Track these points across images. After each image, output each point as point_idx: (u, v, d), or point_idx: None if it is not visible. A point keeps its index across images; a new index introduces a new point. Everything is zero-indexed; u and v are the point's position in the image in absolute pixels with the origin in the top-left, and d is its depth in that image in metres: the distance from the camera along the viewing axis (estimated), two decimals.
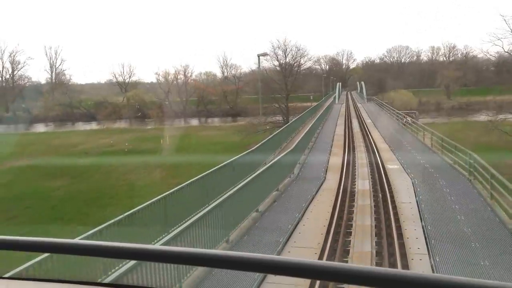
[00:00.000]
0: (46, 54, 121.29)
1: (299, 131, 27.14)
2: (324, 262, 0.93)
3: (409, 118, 65.38)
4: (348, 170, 17.22)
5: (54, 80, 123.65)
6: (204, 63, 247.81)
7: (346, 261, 8.66)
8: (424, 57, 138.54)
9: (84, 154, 41.67)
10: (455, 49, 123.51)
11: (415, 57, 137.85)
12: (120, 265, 6.41)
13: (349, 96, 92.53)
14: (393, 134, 27.42)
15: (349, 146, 23.61)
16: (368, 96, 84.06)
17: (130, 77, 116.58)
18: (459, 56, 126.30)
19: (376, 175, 16.49)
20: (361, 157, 19.94)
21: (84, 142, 51.65)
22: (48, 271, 6.38)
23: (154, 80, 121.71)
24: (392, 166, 17.44)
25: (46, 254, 6.03)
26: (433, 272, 7.73)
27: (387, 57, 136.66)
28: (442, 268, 7.78)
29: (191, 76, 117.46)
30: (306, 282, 6.92)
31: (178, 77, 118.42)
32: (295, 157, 17.58)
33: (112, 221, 8.46)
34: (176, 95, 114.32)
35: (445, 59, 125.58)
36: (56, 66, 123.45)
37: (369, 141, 24.40)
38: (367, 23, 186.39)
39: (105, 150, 42.88)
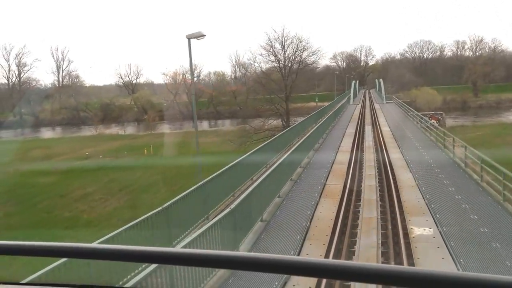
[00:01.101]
0: (53, 56, 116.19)
1: (288, 147, 19.66)
2: (335, 261, 0.92)
3: (434, 121, 56.83)
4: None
5: (61, 82, 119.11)
6: (216, 63, 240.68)
7: None
8: (448, 52, 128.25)
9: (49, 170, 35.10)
10: (482, 43, 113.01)
11: (438, 52, 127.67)
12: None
13: (367, 95, 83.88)
14: (419, 152, 19.55)
15: (353, 185, 14.52)
16: (388, 95, 75.29)
17: (137, 78, 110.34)
18: (487, 50, 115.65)
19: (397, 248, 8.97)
20: (370, 207, 11.94)
21: (65, 152, 45.43)
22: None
23: (166, 81, 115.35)
24: (424, 232, 9.66)
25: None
26: None
27: (408, 53, 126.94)
28: None
29: (199, 76, 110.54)
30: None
31: (186, 77, 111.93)
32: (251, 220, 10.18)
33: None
34: (184, 96, 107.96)
35: (471, 53, 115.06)
36: (63, 68, 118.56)
37: (385, 169, 16.26)
38: (387, 17, 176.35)
39: (71, 166, 36.25)
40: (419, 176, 14.79)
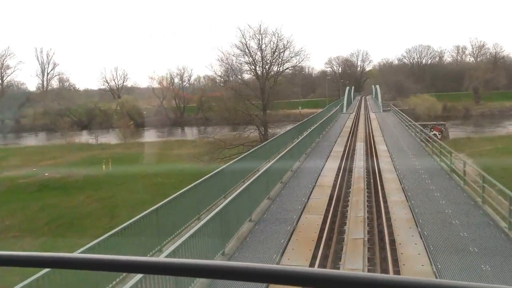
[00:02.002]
0: (37, 58, 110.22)
1: (247, 178, 13.72)
2: (325, 270, 0.91)
3: (436, 132, 50.95)
4: None
5: (45, 86, 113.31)
6: (206, 67, 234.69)
7: None
8: (447, 58, 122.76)
9: None
10: (484, 48, 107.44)
11: (437, 58, 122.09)
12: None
13: (363, 103, 77.99)
14: (427, 188, 13.66)
15: (334, 230, 10.08)
16: (385, 102, 69.43)
17: (124, 82, 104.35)
18: (488, 56, 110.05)
19: None
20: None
21: (17, 165, 39.45)
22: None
23: (152, 85, 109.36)
24: None
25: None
26: None
27: (407, 58, 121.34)
28: None
29: (189, 80, 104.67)
30: None
31: (175, 81, 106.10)
32: None
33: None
34: (173, 101, 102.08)
35: (472, 59, 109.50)
36: (48, 71, 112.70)
37: (380, 232, 10.10)
38: (384, 21, 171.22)
39: (11, 185, 30.20)
40: (432, 242, 8.93)
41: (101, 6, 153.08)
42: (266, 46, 46.20)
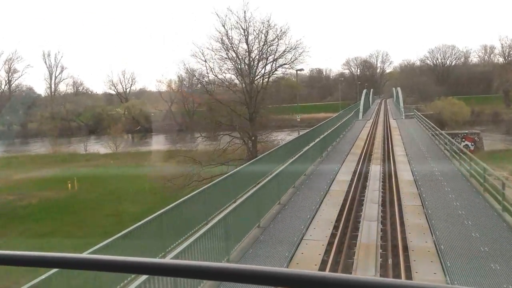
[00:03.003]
0: (45, 61, 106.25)
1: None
2: (334, 274, 0.90)
3: (468, 142, 43.26)
4: None
5: (53, 90, 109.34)
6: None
7: None
8: (473, 58, 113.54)
9: None
10: None
11: (462, 59, 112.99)
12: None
13: (382, 107, 70.34)
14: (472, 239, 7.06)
15: None
16: (407, 106, 61.73)
17: (131, 85, 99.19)
18: None
19: None
20: None
21: None
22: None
23: (161, 89, 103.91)
24: None
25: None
26: None
27: (429, 59, 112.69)
28: None
29: (197, 84, 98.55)
30: None
31: (184, 84, 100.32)
32: None
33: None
34: (181, 106, 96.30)
35: (502, 59, 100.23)
36: (56, 74, 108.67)
37: None
38: (405, 20, 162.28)
39: None
40: None
41: (109, 7, 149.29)
42: (255, 39, 35.81)
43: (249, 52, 36.25)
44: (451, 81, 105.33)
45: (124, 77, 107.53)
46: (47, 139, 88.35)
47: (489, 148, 39.29)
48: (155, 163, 37.32)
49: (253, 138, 33.78)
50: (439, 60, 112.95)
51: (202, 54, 35.47)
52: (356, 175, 16.26)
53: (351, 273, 7.88)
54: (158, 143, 68.92)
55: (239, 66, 36.63)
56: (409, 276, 7.59)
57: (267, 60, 36.83)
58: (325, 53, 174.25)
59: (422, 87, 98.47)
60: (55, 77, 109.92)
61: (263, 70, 37.17)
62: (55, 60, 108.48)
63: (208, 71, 36.63)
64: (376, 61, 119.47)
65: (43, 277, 5.93)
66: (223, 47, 35.54)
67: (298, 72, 37.09)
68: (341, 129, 30.02)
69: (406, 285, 0.80)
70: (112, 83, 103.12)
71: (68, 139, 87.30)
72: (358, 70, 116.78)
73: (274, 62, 36.60)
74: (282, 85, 44.23)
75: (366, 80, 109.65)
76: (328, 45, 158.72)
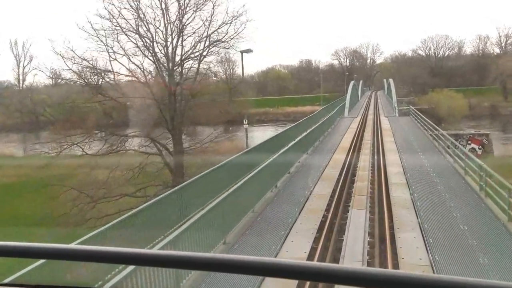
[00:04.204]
0: (12, 50, 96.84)
1: None
2: (319, 263, 0.91)
3: (475, 145, 36.14)
4: None
5: (21, 81, 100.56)
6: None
7: None
8: (467, 48, 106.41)
9: None
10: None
11: (456, 49, 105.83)
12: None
13: (372, 100, 62.93)
14: None
15: None
16: (399, 99, 54.29)
17: (103, 76, 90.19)
18: None
19: None
20: None
21: None
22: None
23: (137, 79, 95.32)
24: None
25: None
26: None
27: (422, 49, 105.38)
28: None
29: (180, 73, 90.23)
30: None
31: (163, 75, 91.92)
32: None
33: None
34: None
35: (498, 49, 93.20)
36: (24, 64, 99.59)
37: None
38: (396, 11, 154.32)
39: None
40: None
41: None
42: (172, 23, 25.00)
43: (167, 23, 25.60)
44: (444, 72, 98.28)
45: (96, 67, 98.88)
46: (15, 135, 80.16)
47: (500, 152, 32.06)
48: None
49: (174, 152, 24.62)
50: (432, 51, 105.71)
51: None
52: (334, 214, 8.75)
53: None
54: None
55: (149, 45, 25.93)
56: None
57: (199, 37, 26.05)
58: (315, 44, 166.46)
59: (414, 78, 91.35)
60: (23, 67, 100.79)
61: (191, 51, 26.87)
62: (23, 48, 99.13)
63: (100, 51, 25.33)
64: (367, 52, 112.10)
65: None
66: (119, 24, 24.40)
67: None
68: (321, 131, 22.49)
69: (393, 274, 0.81)
70: (83, 72, 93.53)
71: (36, 134, 79.03)
72: (348, 61, 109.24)
73: (207, 39, 26.58)
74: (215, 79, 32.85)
75: (356, 71, 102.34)
76: (319, 36, 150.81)
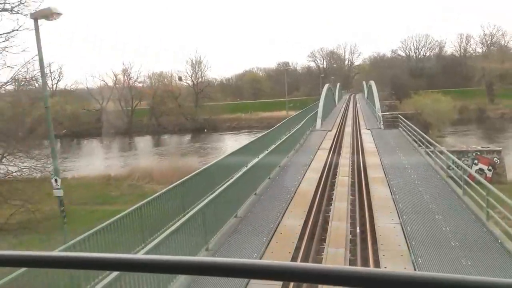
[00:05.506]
0: None
1: None
2: (303, 264, 0.90)
3: (484, 166, 28.13)
4: None
5: None
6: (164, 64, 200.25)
7: None
8: (449, 48, 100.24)
9: None
10: (497, 35, 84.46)
11: (437, 49, 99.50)
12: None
13: (351, 106, 54.97)
14: None
15: None
16: (380, 102, 46.29)
17: (58, 80, 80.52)
18: (504, 43, 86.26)
19: None
20: None
21: None
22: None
23: (96, 85, 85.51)
24: None
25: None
26: None
27: (402, 49, 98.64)
28: None
29: (137, 78, 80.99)
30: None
31: (122, 79, 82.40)
32: None
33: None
34: (117, 104, 78.69)
35: (484, 48, 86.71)
36: None
37: None
38: (375, 13, 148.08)
39: None
40: None
41: None
42: None
43: None
44: (426, 73, 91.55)
45: (50, 70, 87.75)
46: None
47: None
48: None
49: None
50: (413, 51, 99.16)
51: None
52: None
53: None
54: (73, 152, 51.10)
55: None
56: None
57: None
58: (295, 47, 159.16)
59: (395, 80, 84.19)
60: None
61: None
62: None
63: None
64: (344, 53, 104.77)
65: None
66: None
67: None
68: (283, 153, 14.04)
69: (375, 273, 0.80)
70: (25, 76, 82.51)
71: None
72: (325, 62, 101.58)
73: None
74: None
75: (334, 73, 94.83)
76: (298, 38, 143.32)
